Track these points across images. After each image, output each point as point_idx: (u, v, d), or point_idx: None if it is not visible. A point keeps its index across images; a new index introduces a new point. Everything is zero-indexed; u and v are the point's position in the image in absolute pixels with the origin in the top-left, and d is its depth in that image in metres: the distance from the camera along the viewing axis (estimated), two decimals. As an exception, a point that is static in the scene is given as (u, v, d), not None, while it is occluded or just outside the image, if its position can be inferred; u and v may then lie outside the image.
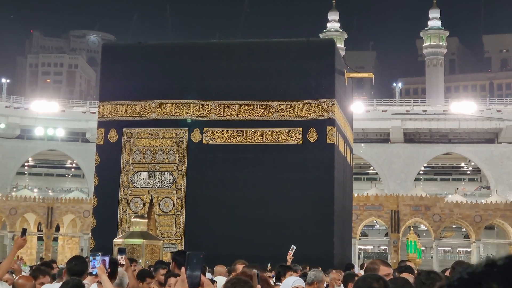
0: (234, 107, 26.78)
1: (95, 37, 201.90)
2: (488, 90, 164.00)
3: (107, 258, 9.62)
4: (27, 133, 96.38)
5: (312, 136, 26.28)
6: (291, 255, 17.45)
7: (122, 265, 11.26)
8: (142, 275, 12.61)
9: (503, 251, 79.08)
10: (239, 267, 12.72)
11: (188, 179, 26.59)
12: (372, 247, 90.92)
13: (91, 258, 9.59)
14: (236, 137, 26.69)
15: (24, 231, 11.49)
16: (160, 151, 26.86)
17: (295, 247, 17.65)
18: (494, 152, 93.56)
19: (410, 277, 9.83)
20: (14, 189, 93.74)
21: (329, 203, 26.02)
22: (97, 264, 9.44)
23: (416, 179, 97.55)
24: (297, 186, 26.13)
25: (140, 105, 27.35)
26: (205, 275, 6.34)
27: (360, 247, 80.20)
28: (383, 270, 8.49)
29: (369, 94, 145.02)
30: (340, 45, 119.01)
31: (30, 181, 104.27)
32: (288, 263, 16.98)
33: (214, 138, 26.77)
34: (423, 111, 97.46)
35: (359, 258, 75.52)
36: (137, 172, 26.93)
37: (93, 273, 9.48)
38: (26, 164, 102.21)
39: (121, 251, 12.01)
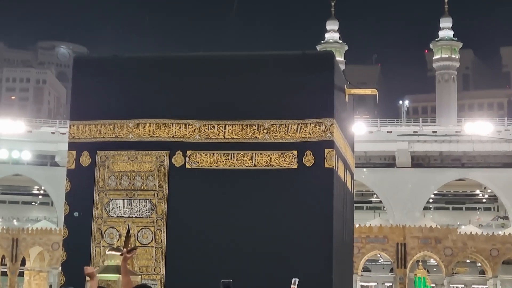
0: (221, 128, 26.83)
1: (65, 49, 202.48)
2: (506, 109, 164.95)
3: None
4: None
5: (309, 160, 26.33)
6: None
7: None
8: None
9: (522, 288, 79.25)
10: None
11: (170, 208, 26.57)
12: (376, 284, 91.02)
13: None
14: (223, 161, 26.71)
15: None
16: (138, 177, 26.87)
17: (297, 280, 17.31)
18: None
19: None
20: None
21: (327, 235, 26.02)
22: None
23: (425, 208, 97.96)
24: (291, 216, 26.12)
25: (116, 125, 27.37)
26: None
27: (362, 284, 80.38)
28: None
29: (372, 113, 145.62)
30: (340, 58, 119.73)
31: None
32: None
33: (198, 162, 26.79)
34: (433, 132, 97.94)
35: (361, 297, 75.64)
36: (112, 199, 26.94)
37: None
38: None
39: (226, 284, 12.20)
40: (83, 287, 20.75)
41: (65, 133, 74.90)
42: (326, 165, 26.30)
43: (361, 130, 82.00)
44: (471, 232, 72.00)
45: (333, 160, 26.36)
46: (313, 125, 26.47)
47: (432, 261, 78.68)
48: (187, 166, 26.87)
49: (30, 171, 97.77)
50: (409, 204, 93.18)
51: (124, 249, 15.39)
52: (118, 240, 26.51)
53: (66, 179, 27.88)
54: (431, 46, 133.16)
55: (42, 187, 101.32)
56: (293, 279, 17.03)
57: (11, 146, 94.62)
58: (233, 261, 25.92)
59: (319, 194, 26.32)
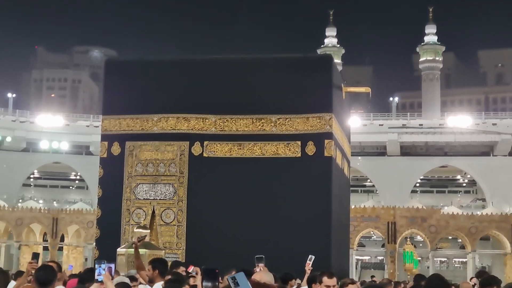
0: (234, 121, 26.86)
1: (97, 53, 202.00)
2: (483, 104, 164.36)
3: (112, 266, 9.75)
4: (32, 146, 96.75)
5: (310, 149, 26.33)
6: (310, 265, 16.34)
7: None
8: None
9: (498, 261, 79.09)
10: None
11: (189, 191, 26.64)
12: (369, 257, 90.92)
13: (96, 265, 9.72)
14: (236, 150, 26.75)
15: (36, 256, 11.60)
16: (161, 164, 26.92)
17: (313, 257, 16.47)
18: (489, 165, 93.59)
19: None
20: (20, 201, 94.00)
21: (327, 214, 26.06)
22: (102, 272, 9.56)
23: (413, 191, 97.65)
24: (295, 198, 26.16)
25: (142, 119, 27.44)
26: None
27: (358, 257, 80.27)
28: None
29: (366, 108, 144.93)
30: (337, 60, 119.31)
31: (35, 193, 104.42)
32: (307, 274, 16.02)
33: (214, 151, 26.84)
34: (420, 124, 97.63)
35: (356, 269, 75.63)
36: (139, 184, 27.01)
37: (98, 280, 9.60)
38: (31, 176, 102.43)
39: (259, 259, 12.09)
40: (115, 260, 20.81)
41: (98, 126, 74.85)
42: (325, 154, 26.32)
43: (356, 123, 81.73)
44: (452, 212, 71.80)
45: (332, 149, 26.37)
46: (314, 119, 26.48)
47: (419, 238, 78.40)
48: (205, 154, 26.93)
49: (68, 159, 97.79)
50: (399, 187, 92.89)
51: (135, 239, 15.46)
52: (145, 219, 26.58)
53: (99, 166, 27.98)
54: (417, 49, 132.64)
55: (78, 173, 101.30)
56: (310, 256, 16.19)
57: (51, 137, 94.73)
58: (244, 237, 25.95)
59: (319, 179, 26.35)
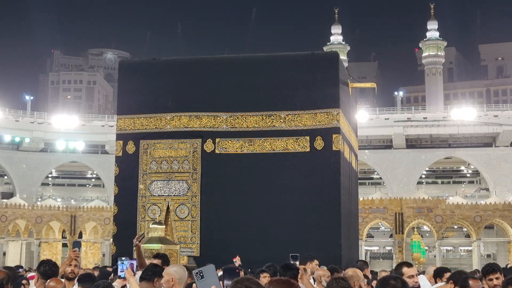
0: (244, 118, 26.81)
1: (111, 55, 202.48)
2: (485, 97, 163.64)
3: (134, 262, 9.65)
4: (50, 147, 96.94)
5: (319, 144, 26.27)
6: None
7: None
8: None
9: (502, 249, 78.86)
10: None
11: (202, 187, 26.63)
12: (378, 248, 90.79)
13: (119, 262, 9.60)
14: (246, 146, 26.71)
15: (77, 244, 11.56)
16: (175, 161, 26.90)
17: None
18: (492, 155, 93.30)
19: None
20: (40, 199, 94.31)
21: (336, 207, 25.99)
22: (124, 268, 9.47)
23: (419, 183, 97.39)
24: (305, 192, 26.12)
25: (156, 118, 27.43)
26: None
27: (367, 248, 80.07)
28: None
29: (371, 103, 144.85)
30: (343, 57, 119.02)
31: (54, 191, 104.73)
32: None
33: (226, 148, 26.80)
34: (424, 118, 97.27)
35: (365, 259, 75.38)
36: (154, 181, 26.99)
37: (121, 276, 9.51)
38: (50, 175, 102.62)
39: (295, 257, 11.89)
40: (132, 255, 20.77)
41: (113, 126, 75.03)
42: (334, 148, 26.25)
43: (362, 118, 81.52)
44: (457, 202, 71.56)
45: (339, 143, 26.29)
46: (322, 114, 26.39)
47: (425, 228, 78.15)
48: (217, 151, 26.89)
49: (84, 158, 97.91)
50: (405, 179, 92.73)
51: (135, 239, 15.19)
52: (160, 215, 26.55)
53: (115, 164, 27.98)
54: (420, 45, 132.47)
55: (95, 172, 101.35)
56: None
57: (68, 137, 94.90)
58: (257, 230, 25.93)
59: (328, 173, 26.28)
